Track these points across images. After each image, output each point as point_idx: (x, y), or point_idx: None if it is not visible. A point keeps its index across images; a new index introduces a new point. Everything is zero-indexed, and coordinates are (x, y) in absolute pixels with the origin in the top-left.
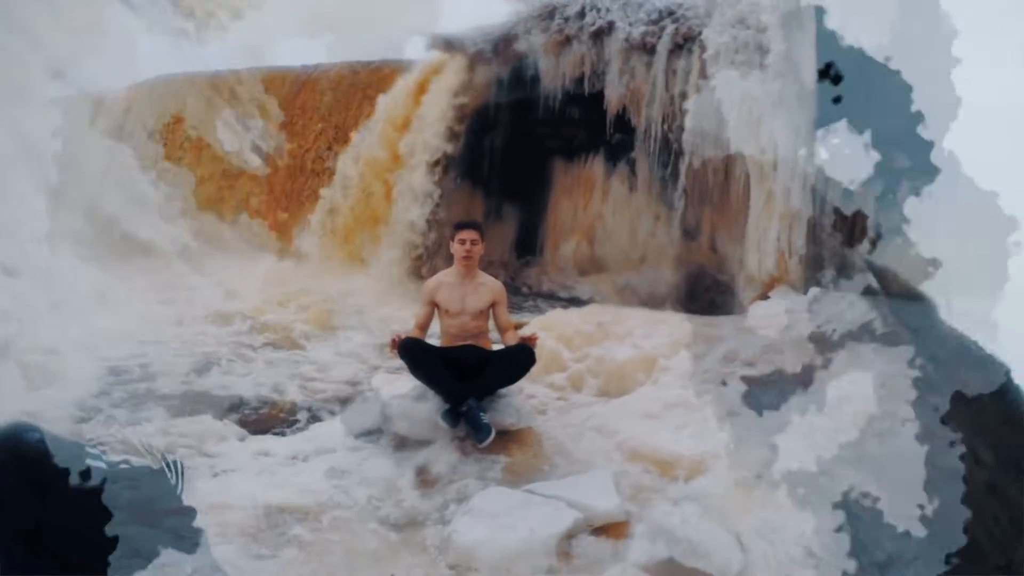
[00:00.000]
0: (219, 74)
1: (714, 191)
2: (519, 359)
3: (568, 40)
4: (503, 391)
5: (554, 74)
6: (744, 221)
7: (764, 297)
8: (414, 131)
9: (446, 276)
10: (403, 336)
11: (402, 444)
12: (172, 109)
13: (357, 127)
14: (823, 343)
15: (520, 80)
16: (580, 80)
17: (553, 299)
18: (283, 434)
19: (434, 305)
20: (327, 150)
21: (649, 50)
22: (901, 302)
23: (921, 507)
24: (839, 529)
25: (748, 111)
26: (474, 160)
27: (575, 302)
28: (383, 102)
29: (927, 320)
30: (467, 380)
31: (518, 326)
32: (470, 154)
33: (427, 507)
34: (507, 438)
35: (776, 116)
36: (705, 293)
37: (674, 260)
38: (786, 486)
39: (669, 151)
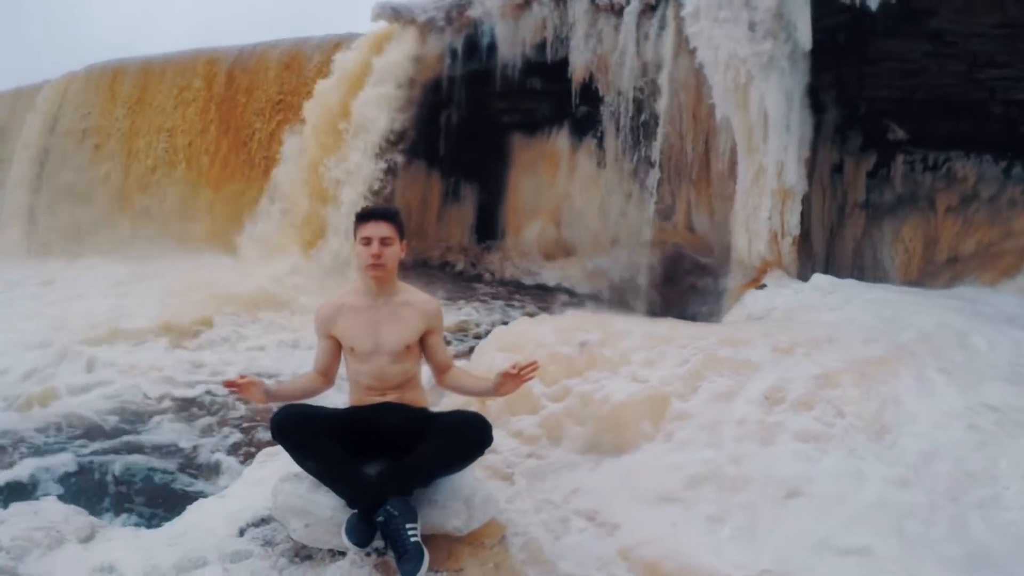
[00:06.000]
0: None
1: (693, 166)
2: (466, 435)
3: (527, 3)
4: None
5: (512, 41)
6: (729, 199)
7: (758, 284)
8: (359, 112)
9: (348, 296)
10: (261, 387)
11: (302, 552)
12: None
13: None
14: (879, 365)
15: (475, 49)
16: (541, 47)
17: (517, 286)
18: (159, 520)
19: (335, 340)
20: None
21: (618, 11)
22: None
23: None
24: None
25: (735, 75)
26: (428, 138)
27: (541, 289)
28: (315, 101)
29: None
30: (389, 455)
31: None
32: (424, 132)
33: None
34: (452, 542)
35: (767, 80)
36: (685, 277)
37: (648, 241)
38: None
39: (641, 123)
